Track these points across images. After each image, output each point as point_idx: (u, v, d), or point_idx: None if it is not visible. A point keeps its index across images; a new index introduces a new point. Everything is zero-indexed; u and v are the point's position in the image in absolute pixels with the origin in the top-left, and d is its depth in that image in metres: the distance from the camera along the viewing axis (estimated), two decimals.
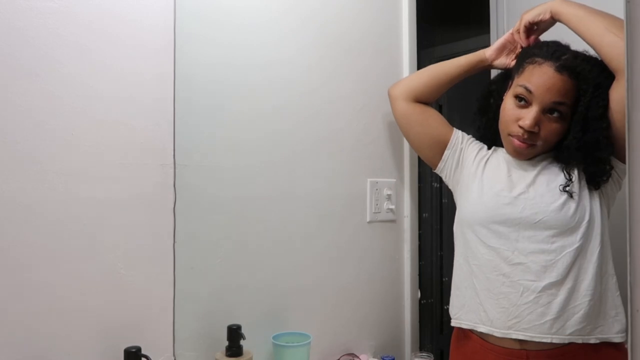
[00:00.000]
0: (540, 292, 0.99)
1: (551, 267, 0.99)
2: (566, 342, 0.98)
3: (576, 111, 1.00)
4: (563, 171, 1.03)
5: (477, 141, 1.19)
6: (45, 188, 0.88)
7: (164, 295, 1.01)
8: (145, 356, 0.91)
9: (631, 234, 0.48)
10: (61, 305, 0.89)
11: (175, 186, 1.03)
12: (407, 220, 1.51)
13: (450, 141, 1.20)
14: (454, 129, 1.22)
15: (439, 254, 2.51)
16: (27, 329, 0.86)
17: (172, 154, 1.03)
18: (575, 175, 1.03)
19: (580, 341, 0.98)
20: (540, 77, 1.00)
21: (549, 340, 0.99)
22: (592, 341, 0.99)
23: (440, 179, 1.26)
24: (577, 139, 1.00)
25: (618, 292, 1.01)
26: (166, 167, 1.02)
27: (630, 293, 0.49)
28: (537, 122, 1.00)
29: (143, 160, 0.99)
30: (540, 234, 1.00)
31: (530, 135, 1.01)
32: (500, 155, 1.13)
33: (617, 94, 0.96)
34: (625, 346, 0.98)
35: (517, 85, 1.03)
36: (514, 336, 1.01)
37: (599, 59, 0.99)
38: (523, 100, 1.02)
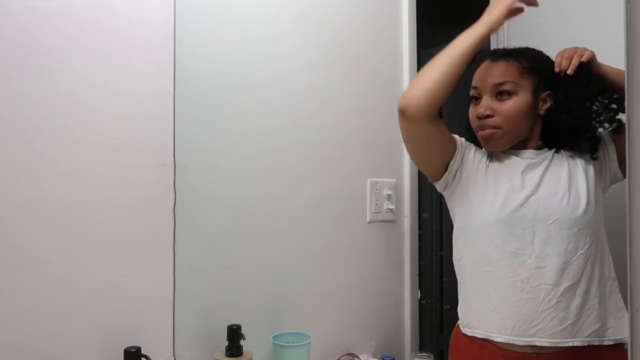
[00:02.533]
0: (560, 296, 0.98)
1: (567, 270, 0.98)
2: (586, 344, 0.98)
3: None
4: (567, 164, 1.04)
5: (473, 145, 1.15)
6: (45, 188, 0.88)
7: (164, 295, 1.01)
8: (145, 356, 0.91)
9: (631, 234, 0.48)
10: (61, 305, 0.89)
11: (175, 186, 1.03)
12: (407, 220, 1.51)
13: (455, 153, 1.11)
14: (455, 137, 1.13)
15: (439, 254, 2.50)
16: (27, 328, 0.86)
17: (172, 153, 1.03)
18: (581, 171, 1.04)
19: (597, 343, 0.99)
20: (480, 72, 1.09)
21: (571, 344, 0.98)
22: (607, 342, 0.99)
23: None
24: (554, 114, 1.06)
25: (620, 295, 1.02)
26: (166, 167, 1.02)
27: (630, 293, 0.49)
28: (488, 107, 1.05)
29: (143, 160, 0.99)
30: (556, 236, 0.99)
31: (487, 119, 1.05)
32: (501, 158, 1.11)
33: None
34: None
35: (470, 90, 1.10)
36: (537, 343, 0.99)
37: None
38: (476, 99, 1.09)
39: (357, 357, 1.31)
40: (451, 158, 1.10)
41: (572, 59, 1.04)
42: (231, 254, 1.12)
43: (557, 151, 1.07)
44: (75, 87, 0.92)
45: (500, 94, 1.05)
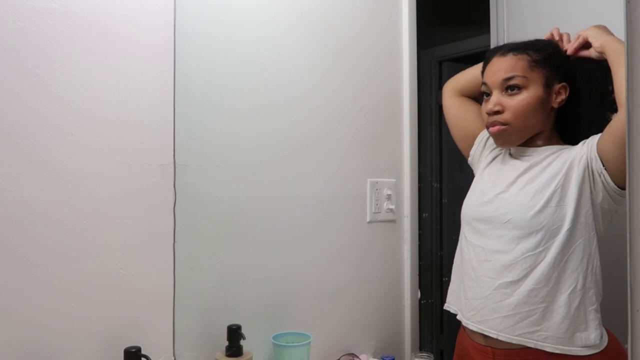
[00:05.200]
0: (494, 289, 1.01)
1: (510, 268, 1.00)
2: (514, 342, 0.99)
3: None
4: (559, 164, 1.00)
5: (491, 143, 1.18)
6: (45, 188, 0.88)
7: (164, 295, 1.01)
8: (145, 356, 0.91)
9: (631, 234, 0.48)
10: (61, 305, 0.89)
11: (175, 186, 1.03)
12: (407, 220, 1.51)
13: (476, 139, 1.21)
14: (481, 133, 1.21)
15: (439, 254, 2.51)
16: (27, 328, 0.86)
17: (172, 154, 1.03)
18: (570, 174, 0.99)
19: (532, 345, 0.97)
20: (490, 68, 1.07)
21: (494, 336, 1.01)
22: (548, 349, 0.97)
23: (440, 179, 1.28)
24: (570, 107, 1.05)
25: (594, 307, 0.98)
26: (166, 167, 1.02)
27: (630, 293, 0.49)
28: (497, 102, 1.03)
29: (143, 160, 0.99)
30: (508, 234, 1.01)
31: (496, 114, 1.03)
32: (505, 154, 1.13)
33: (618, 122, 0.95)
34: None
35: (481, 87, 1.10)
36: (471, 327, 1.06)
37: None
38: (488, 95, 1.07)
39: (357, 357, 1.31)
40: (473, 143, 1.22)
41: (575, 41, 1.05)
42: (231, 254, 1.12)
43: (566, 146, 1.05)
44: (75, 87, 0.92)
45: (510, 88, 1.03)
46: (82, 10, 0.92)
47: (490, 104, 1.04)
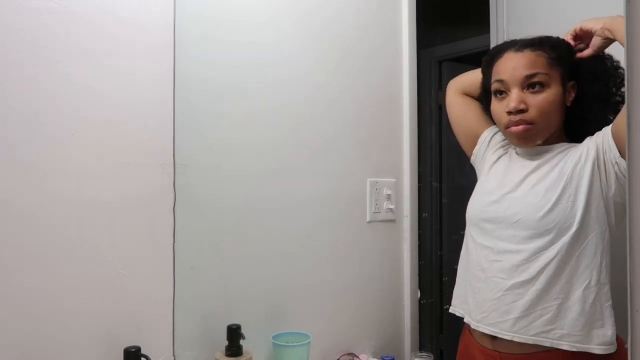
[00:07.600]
0: (507, 290, 0.99)
1: (523, 268, 0.98)
2: (530, 342, 0.97)
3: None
4: (567, 162, 0.99)
5: (505, 141, 1.16)
6: (45, 188, 0.88)
7: (164, 295, 1.01)
8: (145, 356, 0.91)
9: (631, 234, 0.48)
10: (61, 306, 0.89)
11: (175, 186, 1.03)
12: (407, 220, 1.51)
13: (480, 138, 1.20)
14: (490, 127, 1.19)
15: (439, 254, 2.50)
16: (27, 329, 0.86)
17: (172, 154, 1.03)
18: (579, 172, 0.98)
19: (548, 344, 0.96)
20: (505, 64, 1.03)
21: (510, 338, 0.99)
22: (565, 347, 0.95)
23: (440, 179, 1.28)
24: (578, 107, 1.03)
25: (609, 303, 0.96)
26: (166, 167, 1.02)
27: (630, 293, 0.49)
28: (521, 100, 0.99)
29: (143, 160, 0.99)
30: (519, 234, 1.00)
31: (521, 113, 1.00)
32: (511, 154, 1.12)
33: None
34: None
35: (493, 84, 1.06)
36: (481, 329, 1.04)
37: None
38: (503, 93, 1.03)
39: (357, 357, 1.31)
40: (476, 142, 1.20)
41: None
42: (231, 254, 1.12)
43: (573, 144, 1.03)
44: (75, 87, 0.92)
45: (532, 86, 0.99)
46: (82, 11, 0.92)
47: (514, 102, 0.99)
